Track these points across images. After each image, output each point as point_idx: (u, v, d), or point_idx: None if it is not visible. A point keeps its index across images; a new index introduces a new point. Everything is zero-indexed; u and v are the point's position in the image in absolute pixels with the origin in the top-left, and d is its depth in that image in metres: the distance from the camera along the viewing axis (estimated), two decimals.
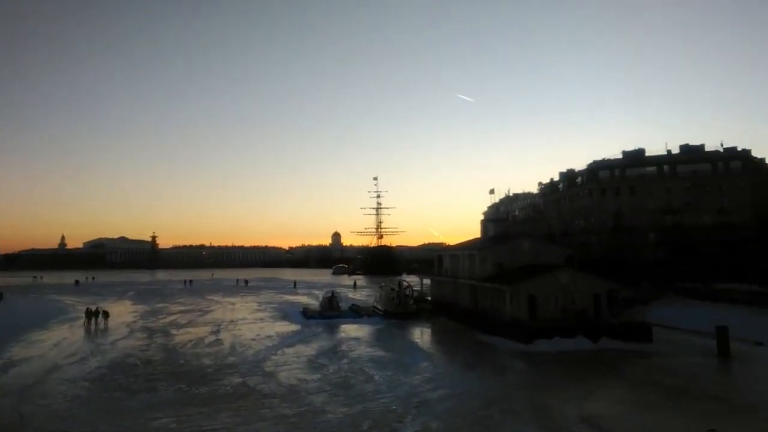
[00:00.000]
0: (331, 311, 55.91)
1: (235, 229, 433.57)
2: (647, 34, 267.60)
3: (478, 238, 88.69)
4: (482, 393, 25.63)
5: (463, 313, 49.57)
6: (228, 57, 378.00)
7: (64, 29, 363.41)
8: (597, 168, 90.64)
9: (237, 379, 28.07)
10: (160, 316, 57.72)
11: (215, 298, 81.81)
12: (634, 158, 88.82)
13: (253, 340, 41.14)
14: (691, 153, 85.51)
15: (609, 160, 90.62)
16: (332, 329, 47.06)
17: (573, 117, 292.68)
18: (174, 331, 46.10)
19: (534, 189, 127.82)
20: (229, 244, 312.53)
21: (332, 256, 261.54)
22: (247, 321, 53.30)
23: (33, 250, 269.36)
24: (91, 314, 50.78)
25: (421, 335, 45.63)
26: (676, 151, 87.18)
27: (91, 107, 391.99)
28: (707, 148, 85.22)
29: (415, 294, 61.33)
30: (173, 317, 56.89)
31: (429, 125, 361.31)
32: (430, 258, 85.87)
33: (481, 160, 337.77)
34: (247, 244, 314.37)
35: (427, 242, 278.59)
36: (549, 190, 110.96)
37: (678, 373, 30.15)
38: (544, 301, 40.38)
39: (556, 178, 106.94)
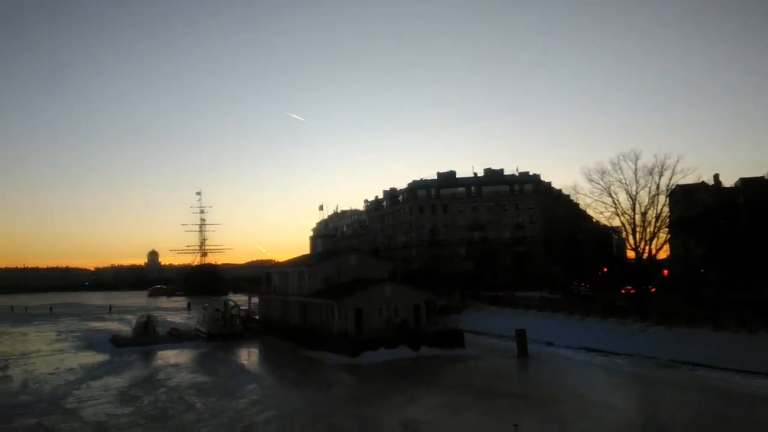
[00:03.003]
0: (147, 337, 51.34)
1: (25, 248, 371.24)
2: (458, 65, 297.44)
3: (307, 255, 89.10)
4: (310, 410, 25.68)
5: (292, 331, 49.20)
6: (26, 59, 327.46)
7: None
8: (416, 187, 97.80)
9: (30, 420, 24.43)
10: None
11: (1, 329, 69.79)
12: (447, 179, 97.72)
13: (51, 374, 36.05)
14: (493, 176, 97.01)
15: (426, 180, 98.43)
16: (148, 357, 43.28)
17: (396, 137, 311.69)
18: None
19: (361, 206, 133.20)
20: (20, 265, 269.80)
21: (149, 277, 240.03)
22: (44, 353, 46.51)
23: None
24: None
25: (248, 356, 44.21)
26: (481, 174, 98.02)
27: None
28: (506, 172, 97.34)
29: (242, 314, 59.30)
30: None
31: (258, 140, 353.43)
32: (258, 276, 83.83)
33: (311, 177, 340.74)
34: (42, 265, 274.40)
35: (255, 259, 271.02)
36: (374, 207, 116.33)
37: (486, 374, 33.54)
38: (369, 314, 41.99)
39: (381, 195, 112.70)
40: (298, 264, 56.80)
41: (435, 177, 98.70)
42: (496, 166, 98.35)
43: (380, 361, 36.93)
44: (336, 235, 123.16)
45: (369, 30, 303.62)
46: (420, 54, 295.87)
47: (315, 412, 25.28)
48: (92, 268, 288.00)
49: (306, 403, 27.05)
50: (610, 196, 52.12)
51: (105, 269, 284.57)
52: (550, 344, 42.56)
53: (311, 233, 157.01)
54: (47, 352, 47.09)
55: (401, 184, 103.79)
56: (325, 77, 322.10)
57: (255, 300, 66.43)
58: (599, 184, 52.63)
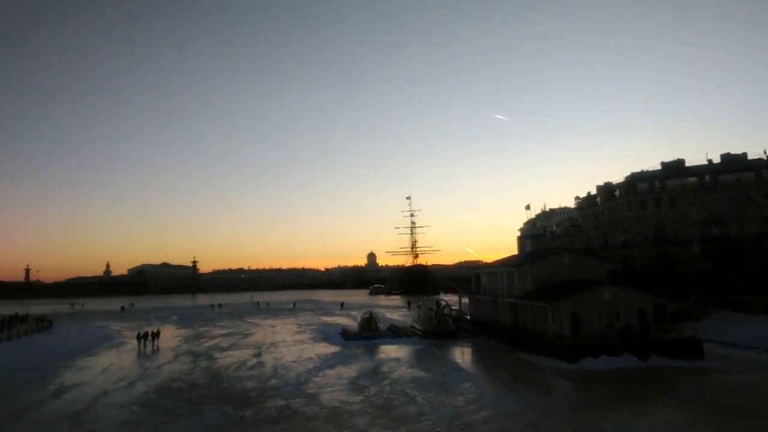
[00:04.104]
0: (370, 332, 55.82)
1: (272, 252, 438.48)
2: (678, 46, 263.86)
3: (514, 255, 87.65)
4: (527, 414, 25.13)
5: (503, 332, 48.80)
6: (260, 83, 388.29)
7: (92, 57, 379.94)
8: (635, 180, 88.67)
9: (280, 402, 28.25)
10: (203, 340, 58.75)
11: (255, 321, 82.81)
12: (674, 169, 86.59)
13: (295, 362, 41.41)
14: (734, 162, 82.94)
15: (647, 172, 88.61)
16: (372, 350, 46.95)
17: (607, 130, 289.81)
18: (217, 355, 46.84)
19: (570, 203, 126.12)
20: (267, 267, 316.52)
21: (368, 277, 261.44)
22: (288, 343, 53.71)
23: (79, 277, 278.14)
24: (140, 337, 53.60)
25: (462, 355, 45.07)
26: (717, 160, 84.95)
27: (128, 138, 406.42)
28: (750, 157, 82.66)
29: (454, 313, 60.67)
30: (216, 341, 57.82)
31: (462, 143, 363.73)
32: (466, 276, 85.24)
33: (517, 177, 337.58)
34: (284, 267, 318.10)
35: (462, 260, 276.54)
36: (586, 203, 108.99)
37: (733, 390, 28.93)
38: (587, 317, 39.48)
39: (593, 191, 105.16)
40: (506, 265, 56.11)
41: (658, 167, 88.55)
42: (735, 151, 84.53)
43: (602, 368, 34.43)
44: (545, 235, 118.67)
45: (575, 22, 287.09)
46: (634, 36, 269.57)
47: (533, 416, 24.67)
48: (323, 269, 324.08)
49: (523, 407, 26.54)
50: None
51: (333, 270, 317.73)
52: None
53: (518, 233, 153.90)
54: (291, 342, 54.25)
55: (617, 178, 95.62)
56: (530, 74, 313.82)
57: (465, 300, 67.48)
58: None
